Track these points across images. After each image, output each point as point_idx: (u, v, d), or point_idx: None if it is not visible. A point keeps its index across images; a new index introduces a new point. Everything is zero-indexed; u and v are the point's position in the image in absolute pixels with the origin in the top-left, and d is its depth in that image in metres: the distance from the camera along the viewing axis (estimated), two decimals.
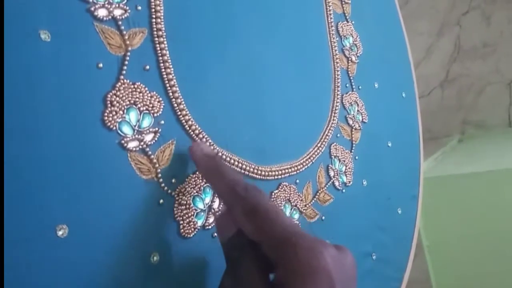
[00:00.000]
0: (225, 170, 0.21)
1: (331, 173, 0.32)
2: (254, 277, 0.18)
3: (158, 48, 0.22)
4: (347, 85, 0.36)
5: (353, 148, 0.35)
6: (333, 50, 0.35)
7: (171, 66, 0.22)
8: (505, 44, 1.15)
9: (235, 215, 0.19)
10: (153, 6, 0.23)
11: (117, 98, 0.20)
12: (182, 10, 0.24)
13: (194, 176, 0.23)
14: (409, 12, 1.22)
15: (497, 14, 1.15)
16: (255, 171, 0.26)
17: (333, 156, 0.33)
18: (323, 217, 0.30)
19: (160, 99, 0.22)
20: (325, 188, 0.31)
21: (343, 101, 0.35)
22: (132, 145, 0.20)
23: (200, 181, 0.23)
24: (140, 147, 0.21)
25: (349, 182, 0.33)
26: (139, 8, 0.22)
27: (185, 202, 0.22)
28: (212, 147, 0.24)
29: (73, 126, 0.18)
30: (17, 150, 0.16)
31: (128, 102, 0.20)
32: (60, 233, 0.17)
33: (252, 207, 0.19)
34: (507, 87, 1.14)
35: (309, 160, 0.30)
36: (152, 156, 0.21)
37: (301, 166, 0.30)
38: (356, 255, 0.32)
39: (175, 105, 0.23)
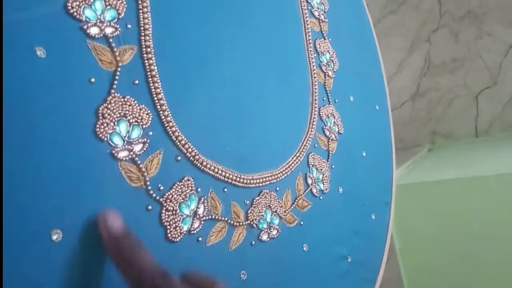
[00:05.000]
0: (133, 257, 0.19)
1: (309, 181, 0.34)
2: None
3: (147, 64, 0.24)
4: (324, 98, 0.38)
5: (330, 157, 0.37)
6: (311, 66, 0.38)
7: (159, 81, 0.24)
8: (472, 59, 1.22)
9: None
10: (142, 25, 0.24)
11: (108, 111, 0.21)
12: (170, 28, 0.26)
13: (180, 184, 0.24)
14: (382, 29, 1.28)
15: (464, 32, 1.23)
16: (238, 179, 0.28)
17: (311, 165, 0.34)
18: (302, 222, 0.32)
19: (149, 111, 0.23)
20: (304, 195, 0.33)
21: (320, 113, 0.37)
22: (122, 155, 0.21)
23: (186, 188, 0.24)
24: (130, 156, 0.22)
25: (326, 189, 0.35)
26: (129, 26, 0.23)
27: (172, 208, 0.23)
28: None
29: (67, 137, 0.19)
30: (15, 159, 0.17)
31: (118, 115, 0.22)
32: (54, 237, 0.18)
33: None
34: (474, 100, 1.21)
35: (289, 168, 0.32)
36: (141, 165, 0.22)
37: (281, 174, 0.31)
38: (332, 257, 0.35)
39: (163, 117, 0.24)
